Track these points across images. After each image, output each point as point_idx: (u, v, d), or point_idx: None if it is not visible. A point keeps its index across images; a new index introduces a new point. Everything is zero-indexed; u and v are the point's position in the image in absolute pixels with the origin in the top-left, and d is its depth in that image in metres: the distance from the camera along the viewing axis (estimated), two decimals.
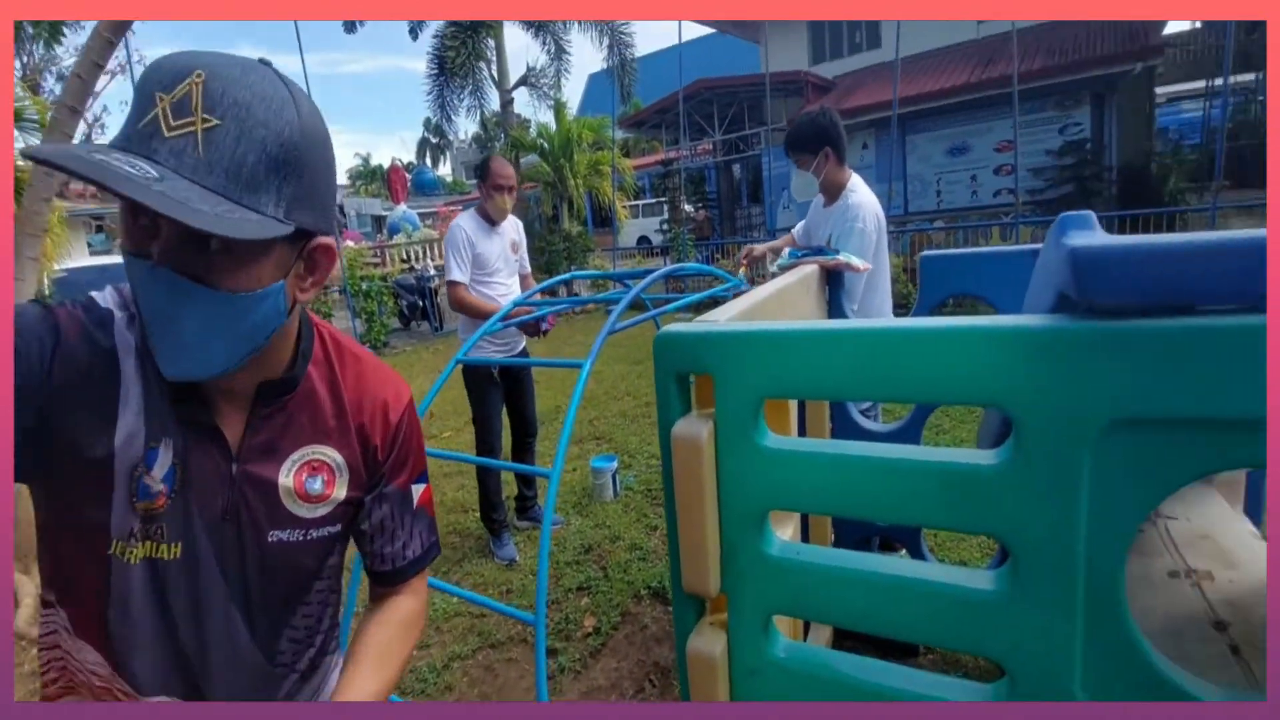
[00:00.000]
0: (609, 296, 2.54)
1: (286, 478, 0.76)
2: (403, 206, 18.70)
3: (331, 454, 0.80)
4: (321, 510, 0.79)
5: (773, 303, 1.40)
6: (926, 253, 1.78)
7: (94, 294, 0.72)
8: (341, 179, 42.92)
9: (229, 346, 0.65)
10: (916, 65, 11.47)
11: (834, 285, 1.91)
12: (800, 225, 2.55)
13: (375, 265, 14.04)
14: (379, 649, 0.85)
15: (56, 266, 8.03)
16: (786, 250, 2.02)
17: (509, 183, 2.83)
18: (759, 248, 2.56)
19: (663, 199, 17.52)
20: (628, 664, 2.15)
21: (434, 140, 41.53)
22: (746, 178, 17.14)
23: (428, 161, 42.04)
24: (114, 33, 3.20)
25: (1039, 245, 1.68)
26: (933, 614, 0.90)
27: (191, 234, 0.56)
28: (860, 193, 2.22)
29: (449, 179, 37.75)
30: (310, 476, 0.78)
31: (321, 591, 0.85)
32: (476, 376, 2.87)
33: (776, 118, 13.03)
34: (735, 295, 1.57)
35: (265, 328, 0.67)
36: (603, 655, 2.21)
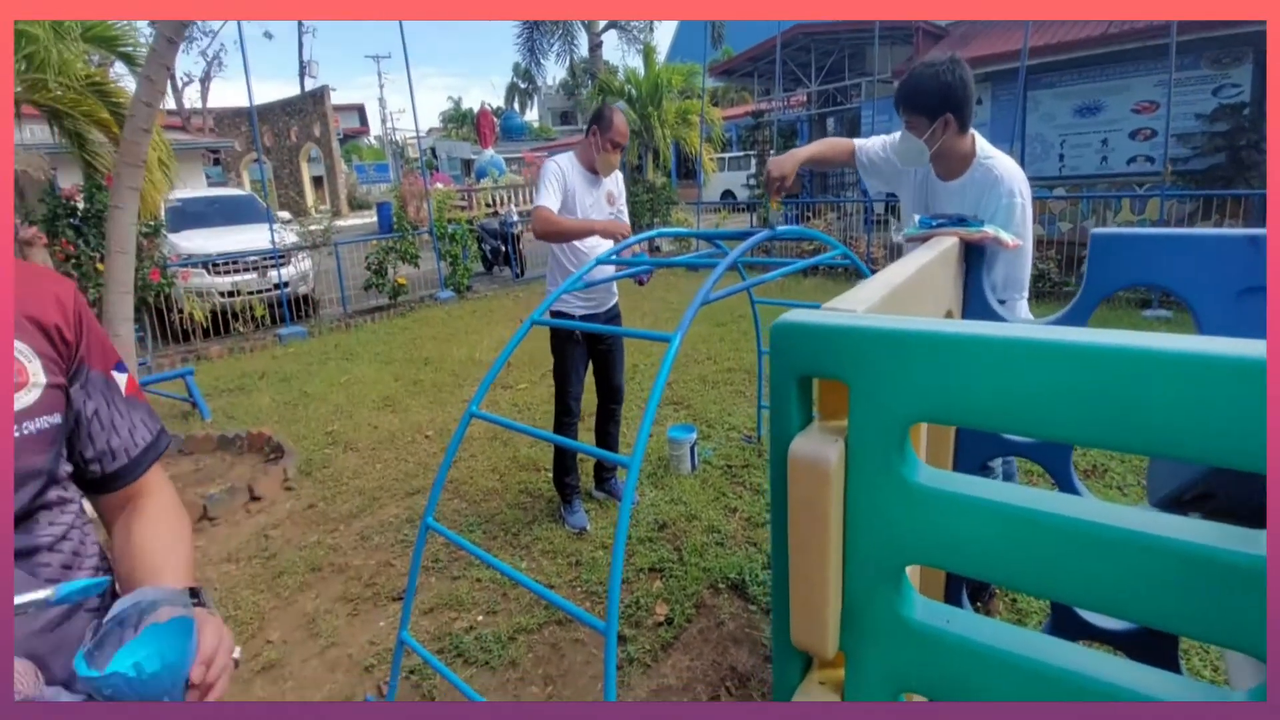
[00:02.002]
0: (699, 260, 2.31)
1: None
2: (490, 151, 18.78)
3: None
4: (26, 398, 0.71)
5: (914, 285, 1.15)
6: (1098, 230, 1.45)
7: None
8: (434, 121, 43.78)
9: None
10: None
11: (973, 264, 1.61)
12: (874, 146, 2.09)
13: (462, 208, 14.22)
14: (163, 555, 0.79)
15: (172, 196, 8.51)
16: (917, 217, 1.73)
17: (625, 141, 2.67)
18: (785, 165, 2.01)
19: (750, 152, 16.76)
20: (702, 664, 2.01)
21: (522, 85, 41.40)
22: (841, 132, 16.09)
23: (516, 106, 42.06)
24: (175, 33, 3.28)
25: (1236, 231, 1.32)
26: None
27: None
28: (1001, 160, 1.85)
29: (536, 124, 37.68)
30: None
31: (69, 503, 0.77)
32: (556, 330, 2.73)
33: (881, 68, 12.03)
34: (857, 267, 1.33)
35: None
36: (674, 650, 2.08)
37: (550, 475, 3.05)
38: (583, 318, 2.75)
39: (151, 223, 6.94)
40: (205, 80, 26.89)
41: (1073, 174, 10.26)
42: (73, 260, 6.44)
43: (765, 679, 1.94)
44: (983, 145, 1.89)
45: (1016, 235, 1.63)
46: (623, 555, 1.30)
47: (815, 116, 15.45)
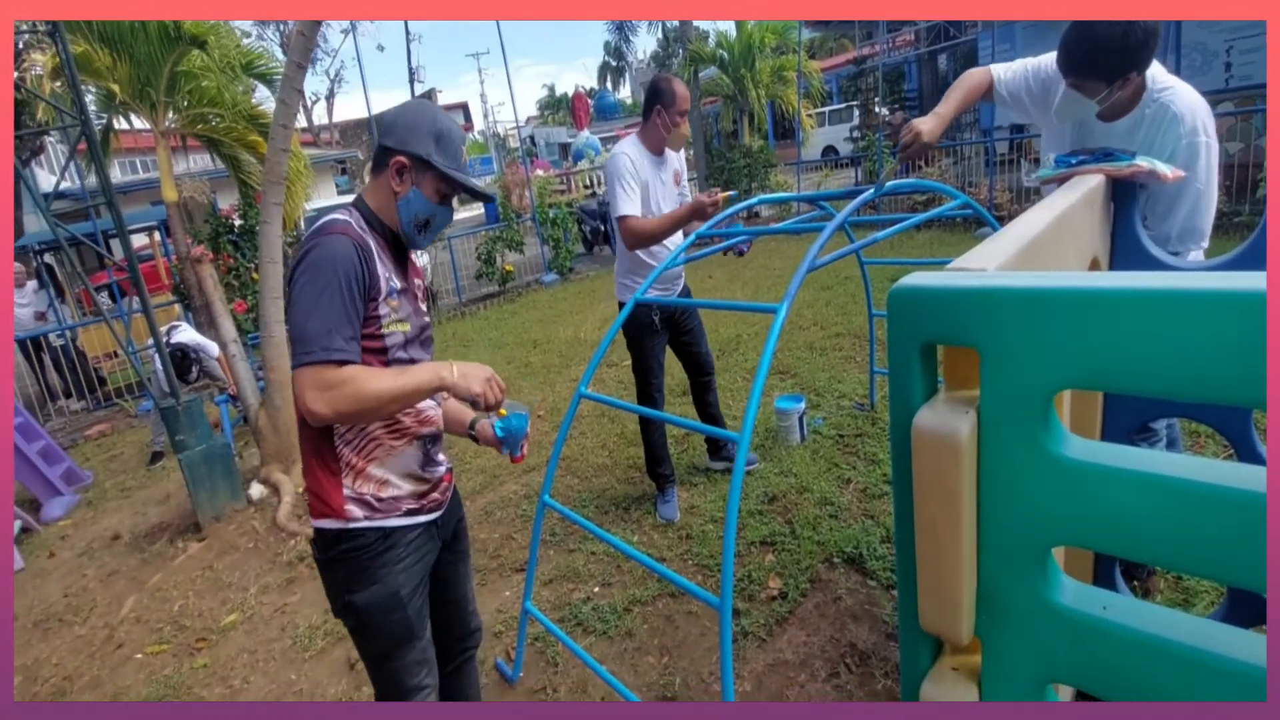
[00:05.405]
0: (802, 226, 2.20)
1: None
2: (585, 133, 19.00)
3: None
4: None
5: (1052, 234, 1.02)
6: None
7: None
8: (531, 110, 45.03)
9: None
10: None
11: (1123, 205, 1.41)
12: (1015, 77, 1.79)
13: (561, 192, 14.53)
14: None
15: (307, 206, 9.30)
16: (1052, 156, 1.54)
17: (689, 105, 2.49)
18: (930, 129, 1.72)
19: (853, 103, 15.79)
20: (819, 640, 1.97)
21: (613, 63, 41.35)
22: (955, 69, 14.75)
23: (608, 85, 42.13)
24: (302, 57, 3.49)
25: None
26: None
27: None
28: (1179, 91, 1.54)
29: (628, 101, 37.61)
30: None
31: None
32: (635, 323, 2.62)
33: None
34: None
35: None
36: (790, 625, 2.05)
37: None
38: (658, 308, 2.63)
39: (294, 232, 7.64)
40: (330, 97, 29.26)
41: (1244, 84, 8.79)
42: (233, 272, 7.23)
43: (887, 657, 1.86)
44: (1154, 73, 1.57)
45: (1202, 180, 1.41)
46: (735, 530, 1.28)
47: (925, 56, 14.24)
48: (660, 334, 2.70)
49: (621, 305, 2.57)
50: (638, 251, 2.62)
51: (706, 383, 2.94)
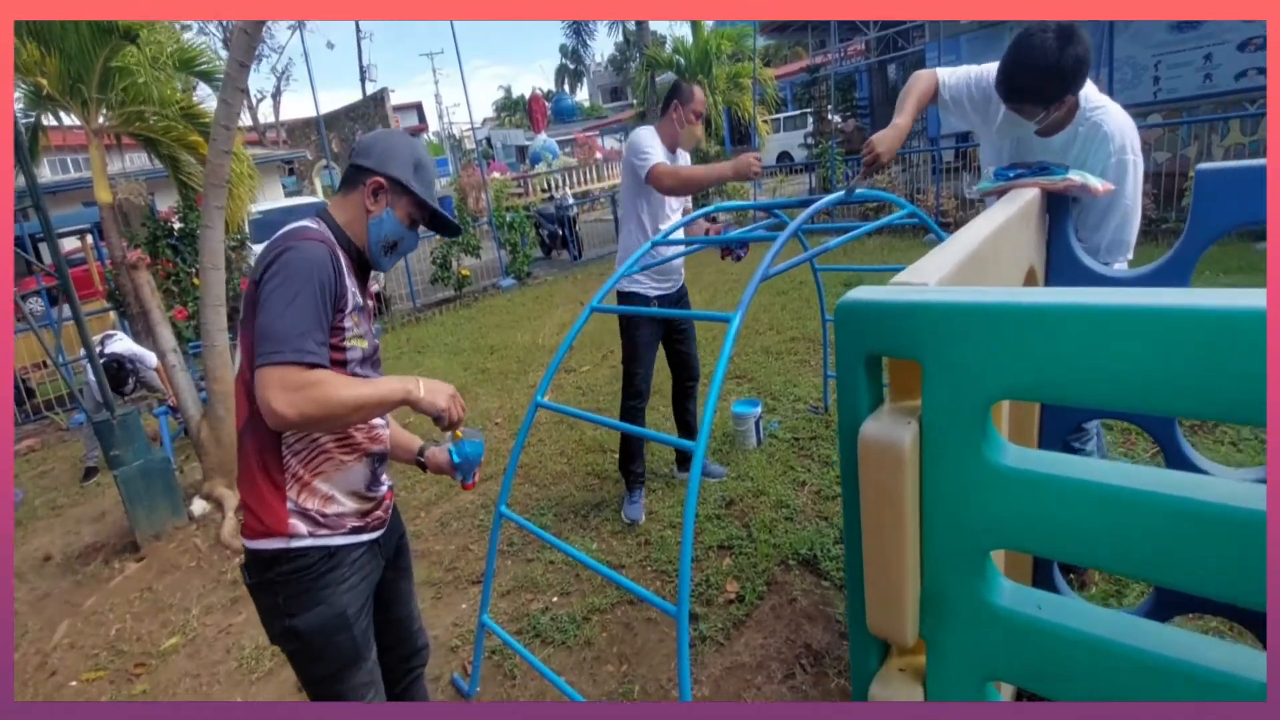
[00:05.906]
0: (758, 236, 2.23)
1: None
2: (543, 135, 18.88)
3: None
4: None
5: (991, 247, 1.06)
6: (1205, 166, 1.30)
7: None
8: (487, 111, 44.60)
9: None
10: None
11: (1058, 216, 1.48)
12: (959, 83, 1.85)
13: (519, 195, 14.41)
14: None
15: (252, 209, 8.95)
16: (991, 169, 1.61)
17: (704, 111, 2.63)
18: (891, 142, 1.81)
19: (807, 110, 16.13)
20: (775, 641, 1.99)
21: (571, 66, 41.29)
22: (903, 78, 15.23)
23: (566, 88, 42.02)
24: (245, 56, 3.39)
25: None
26: None
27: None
28: (1110, 112, 1.64)
29: (586, 104, 37.57)
30: None
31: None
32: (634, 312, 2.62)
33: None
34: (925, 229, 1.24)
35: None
36: (747, 628, 2.07)
37: (617, 456, 3.05)
38: (658, 299, 2.68)
39: (238, 236, 7.35)
40: (277, 95, 28.37)
41: (1170, 98, 9.30)
42: (172, 278, 6.90)
43: (841, 656, 1.90)
44: (1088, 93, 1.65)
45: (1129, 196, 1.49)
46: (691, 539, 1.29)
47: (875, 65, 14.65)
48: (657, 323, 2.71)
49: (621, 296, 2.65)
50: (643, 243, 2.63)
51: (690, 388, 2.95)
